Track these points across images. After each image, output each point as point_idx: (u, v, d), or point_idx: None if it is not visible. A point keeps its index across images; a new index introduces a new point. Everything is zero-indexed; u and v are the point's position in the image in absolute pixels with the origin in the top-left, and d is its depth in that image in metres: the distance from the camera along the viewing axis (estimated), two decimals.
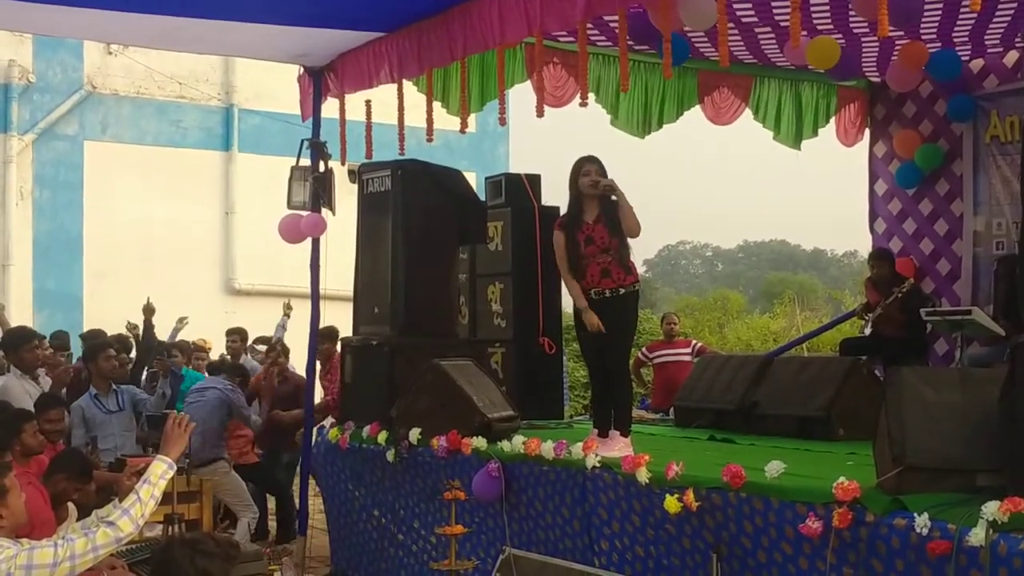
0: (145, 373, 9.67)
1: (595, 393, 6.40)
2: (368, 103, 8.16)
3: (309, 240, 8.36)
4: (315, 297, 8.30)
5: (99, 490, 5.81)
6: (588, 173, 6.03)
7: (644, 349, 10.80)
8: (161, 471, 4.35)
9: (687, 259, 67.04)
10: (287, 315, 10.57)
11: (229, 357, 10.50)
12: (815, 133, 10.04)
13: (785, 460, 4.88)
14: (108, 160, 14.56)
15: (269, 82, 14.40)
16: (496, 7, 6.47)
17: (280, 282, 14.18)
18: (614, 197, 6.01)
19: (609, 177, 6.02)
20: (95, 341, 8.99)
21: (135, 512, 4.18)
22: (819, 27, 8.03)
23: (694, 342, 10.84)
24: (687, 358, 9.96)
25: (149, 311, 10.00)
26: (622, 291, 5.97)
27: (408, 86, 7.78)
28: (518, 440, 6.12)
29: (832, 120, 10.15)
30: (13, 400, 6.92)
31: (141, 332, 10.06)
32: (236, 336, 10.74)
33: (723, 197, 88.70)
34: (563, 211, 6.34)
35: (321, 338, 8.70)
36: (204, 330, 11.33)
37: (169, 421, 4.56)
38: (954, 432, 4.30)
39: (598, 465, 5.57)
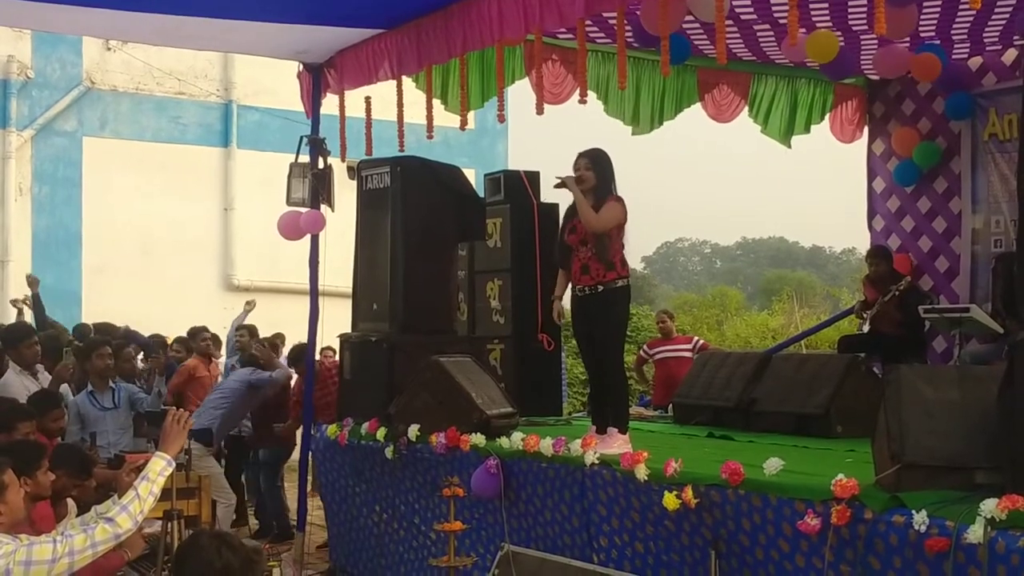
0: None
1: (591, 390, 6.41)
2: (368, 100, 8.16)
3: (308, 237, 8.37)
4: (314, 294, 8.31)
5: (98, 487, 5.80)
6: (577, 168, 6.08)
7: (645, 346, 10.80)
8: (160, 468, 4.34)
9: (686, 256, 67.09)
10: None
11: (239, 352, 10.56)
12: (807, 130, 10.00)
13: (783, 457, 4.90)
14: (107, 156, 14.54)
15: (268, 78, 14.38)
16: (496, 4, 6.47)
17: (279, 278, 14.18)
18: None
19: (579, 172, 6.03)
20: (89, 339, 9.02)
21: (134, 509, 4.18)
22: (818, 24, 8.03)
23: (695, 339, 10.81)
24: (687, 354, 9.93)
25: (34, 283, 10.15)
26: (601, 288, 5.97)
27: (407, 83, 7.79)
28: (517, 437, 6.13)
29: (828, 117, 10.13)
30: (13, 396, 6.93)
31: (32, 306, 10.27)
32: (244, 331, 10.80)
33: (722, 194, 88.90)
34: (563, 208, 6.41)
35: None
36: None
37: (168, 417, 4.56)
38: (952, 430, 4.31)
39: (597, 462, 5.58)
